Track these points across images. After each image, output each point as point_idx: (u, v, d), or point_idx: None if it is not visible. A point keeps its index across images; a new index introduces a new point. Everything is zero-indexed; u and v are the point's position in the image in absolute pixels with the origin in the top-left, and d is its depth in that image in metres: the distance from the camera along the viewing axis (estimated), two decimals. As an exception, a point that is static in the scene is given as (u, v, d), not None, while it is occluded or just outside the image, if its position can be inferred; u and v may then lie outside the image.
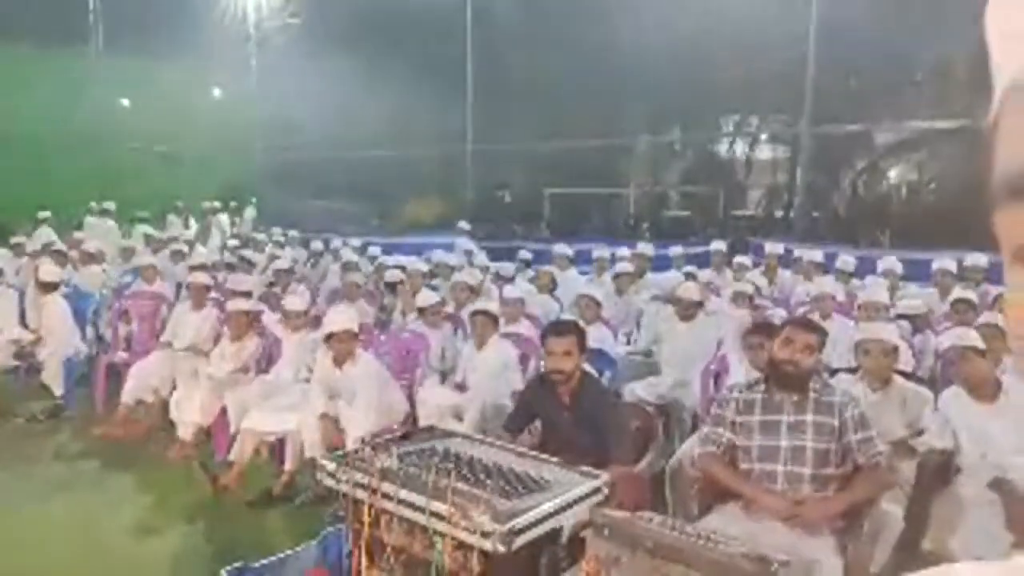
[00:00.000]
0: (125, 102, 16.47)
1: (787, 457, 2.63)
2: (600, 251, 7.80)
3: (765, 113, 15.74)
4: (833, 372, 3.83)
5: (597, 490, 2.27)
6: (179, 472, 4.54)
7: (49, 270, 6.27)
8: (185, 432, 4.76)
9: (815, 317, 4.99)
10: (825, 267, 6.97)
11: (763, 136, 16.35)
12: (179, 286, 7.10)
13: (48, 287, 6.08)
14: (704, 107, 14.92)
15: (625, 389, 4.61)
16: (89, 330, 6.41)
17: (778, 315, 4.70)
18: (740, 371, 3.94)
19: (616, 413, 3.32)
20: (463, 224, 12.15)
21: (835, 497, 2.61)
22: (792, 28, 11.23)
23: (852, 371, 3.63)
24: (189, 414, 4.74)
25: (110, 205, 12.05)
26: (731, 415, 2.77)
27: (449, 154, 15.72)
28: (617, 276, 6.51)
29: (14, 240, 8.87)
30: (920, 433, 3.26)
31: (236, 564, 2.76)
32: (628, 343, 5.92)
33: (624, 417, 3.38)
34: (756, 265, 7.47)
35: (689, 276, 6.79)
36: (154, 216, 12.51)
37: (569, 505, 2.16)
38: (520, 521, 1.99)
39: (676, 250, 8.26)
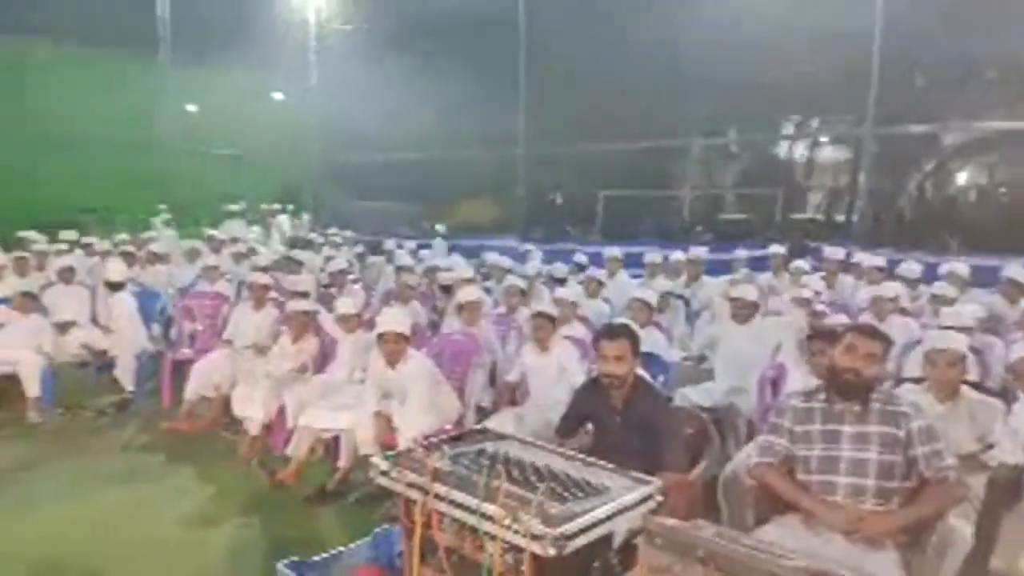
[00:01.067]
0: (191, 107, 17.05)
1: (849, 469, 2.55)
2: (652, 255, 7.71)
3: (827, 114, 15.34)
4: (899, 381, 3.70)
5: (650, 496, 2.24)
6: (239, 466, 4.67)
7: (116, 269, 6.58)
8: (253, 428, 4.88)
9: (873, 320, 4.86)
10: (887, 272, 6.75)
11: (824, 137, 15.94)
12: (240, 285, 7.31)
13: (115, 286, 6.37)
14: (763, 107, 14.61)
15: (678, 394, 4.55)
16: (156, 327, 6.65)
17: (837, 320, 4.57)
18: (799, 378, 3.84)
19: (669, 418, 3.28)
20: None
21: (900, 511, 2.52)
22: (856, 25, 10.89)
23: (917, 381, 3.50)
24: (251, 411, 4.87)
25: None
26: (789, 424, 2.70)
27: (502, 156, 15.79)
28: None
29: (85, 240, 9.30)
30: (990, 447, 3.12)
31: (291, 558, 2.83)
32: (682, 348, 5.83)
33: (677, 423, 3.33)
34: (816, 270, 7.29)
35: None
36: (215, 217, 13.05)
37: (621, 511, 2.14)
38: (571, 526, 1.98)
39: (740, 253, 8.09)
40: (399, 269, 7.60)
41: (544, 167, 15.95)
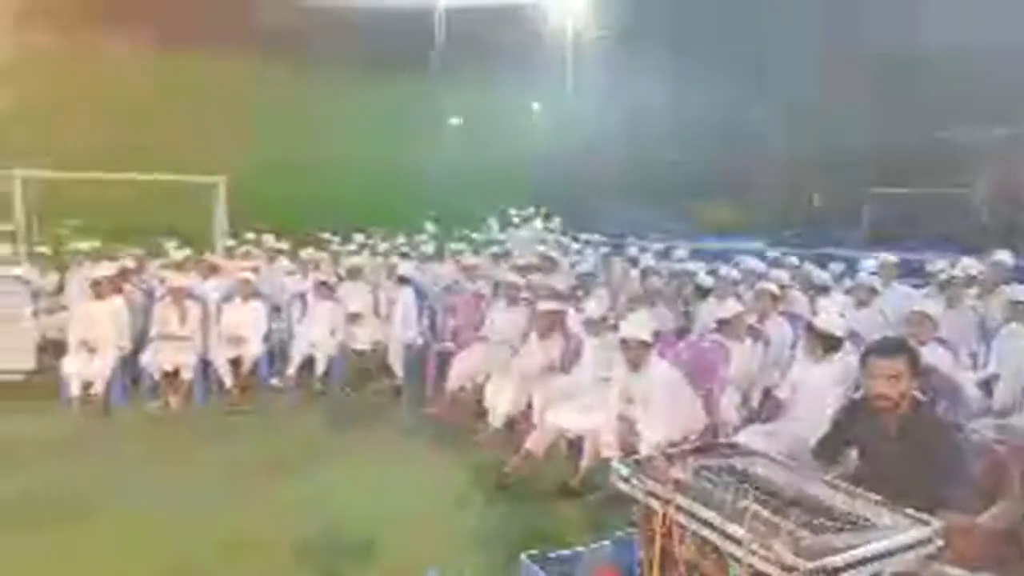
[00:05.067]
0: (455, 120, 18.57)
1: None
2: (937, 262, 6.74)
3: None
4: None
5: (929, 539, 1.95)
6: (489, 455, 4.97)
7: (406, 266, 7.50)
8: (496, 421, 5.18)
9: None
10: None
11: None
12: (496, 285, 7.77)
13: (404, 280, 7.27)
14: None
15: (968, 424, 3.92)
16: (424, 321, 7.34)
17: None
18: None
19: (955, 451, 2.83)
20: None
21: None
22: None
23: None
24: (501, 405, 5.16)
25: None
26: (1124, 473, 2.19)
27: (755, 154, 14.98)
28: (948, 283, 5.55)
29: (368, 243, 10.62)
30: None
31: (534, 551, 2.92)
32: (973, 367, 5.04)
33: (966, 457, 2.87)
34: None
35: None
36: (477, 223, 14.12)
37: (892, 552, 1.89)
38: (830, 561, 1.79)
39: None
40: (644, 272, 7.53)
41: (800, 164, 14.81)
